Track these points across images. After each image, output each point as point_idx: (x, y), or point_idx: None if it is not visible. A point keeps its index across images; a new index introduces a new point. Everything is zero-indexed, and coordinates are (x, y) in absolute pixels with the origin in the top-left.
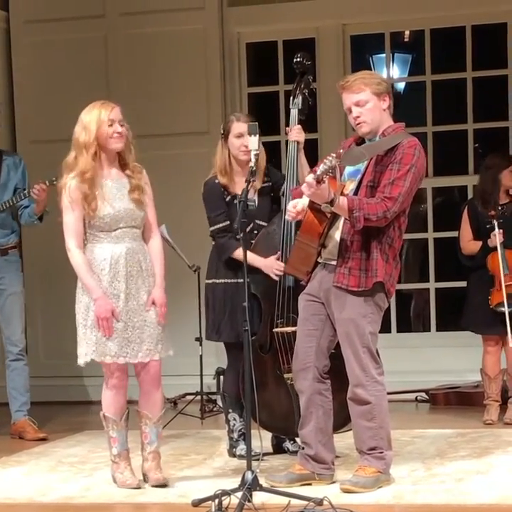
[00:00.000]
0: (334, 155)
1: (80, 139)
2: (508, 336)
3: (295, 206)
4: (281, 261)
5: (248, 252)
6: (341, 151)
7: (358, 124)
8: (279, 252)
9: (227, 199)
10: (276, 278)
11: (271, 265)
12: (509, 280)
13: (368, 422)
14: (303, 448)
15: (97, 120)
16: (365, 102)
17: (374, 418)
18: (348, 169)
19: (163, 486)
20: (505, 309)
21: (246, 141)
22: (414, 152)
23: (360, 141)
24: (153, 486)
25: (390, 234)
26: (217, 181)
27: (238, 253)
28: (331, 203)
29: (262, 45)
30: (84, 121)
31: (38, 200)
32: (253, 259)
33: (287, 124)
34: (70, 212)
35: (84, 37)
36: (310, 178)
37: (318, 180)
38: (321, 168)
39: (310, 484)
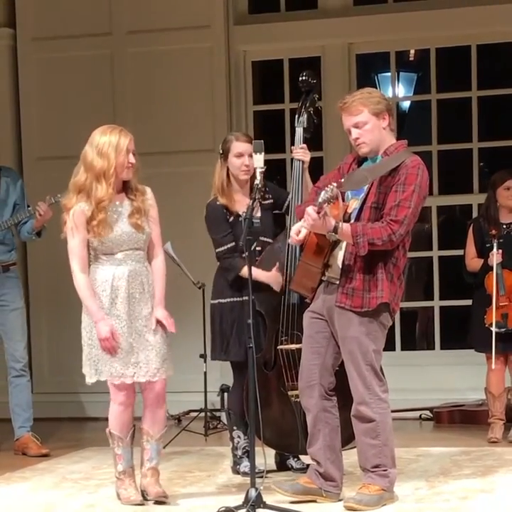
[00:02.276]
0: (335, 184)
1: (96, 165)
2: (492, 356)
3: (298, 233)
4: (286, 278)
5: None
6: (342, 180)
7: (357, 145)
8: (278, 263)
9: (230, 219)
10: (278, 289)
11: (275, 277)
12: (505, 300)
13: (372, 440)
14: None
15: (116, 147)
16: (364, 124)
17: (378, 436)
18: None
19: (164, 499)
20: (493, 329)
21: (246, 161)
22: (417, 172)
23: (362, 158)
24: (154, 501)
25: (395, 253)
26: (218, 203)
27: (245, 271)
28: (335, 230)
29: (268, 63)
30: (101, 146)
31: (41, 218)
32: (256, 274)
33: (292, 142)
34: (73, 237)
35: (90, 55)
36: (310, 209)
37: (319, 211)
38: (322, 196)
39: (315, 501)
